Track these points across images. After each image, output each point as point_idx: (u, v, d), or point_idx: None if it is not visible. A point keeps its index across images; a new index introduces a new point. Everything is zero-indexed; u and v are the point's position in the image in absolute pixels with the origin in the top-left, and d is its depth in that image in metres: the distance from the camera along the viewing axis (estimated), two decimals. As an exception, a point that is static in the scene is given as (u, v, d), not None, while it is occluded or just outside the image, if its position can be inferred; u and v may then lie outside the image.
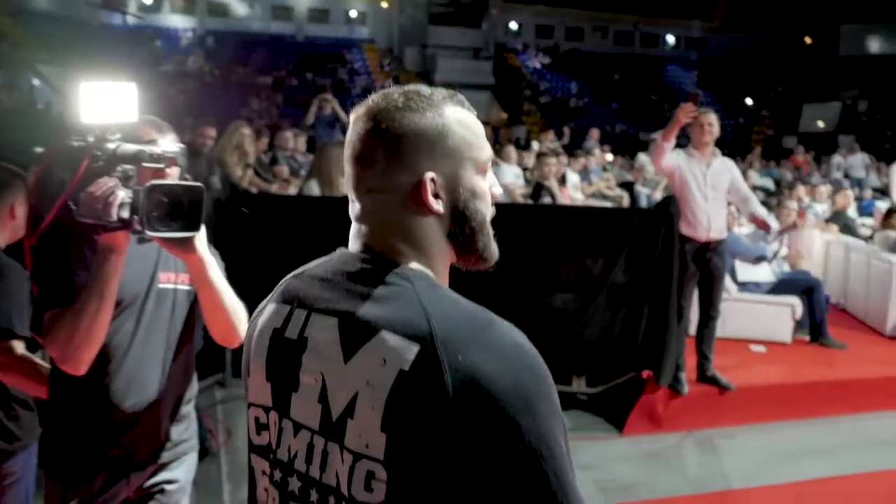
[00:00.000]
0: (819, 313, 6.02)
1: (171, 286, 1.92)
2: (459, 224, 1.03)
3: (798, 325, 6.07)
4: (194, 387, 2.09)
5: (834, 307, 6.92)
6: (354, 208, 1.06)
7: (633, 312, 4.87)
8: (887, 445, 4.58)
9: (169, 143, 1.79)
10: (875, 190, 12.79)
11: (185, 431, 2.00)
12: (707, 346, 4.87)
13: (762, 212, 4.89)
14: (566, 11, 30.66)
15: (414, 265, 1.01)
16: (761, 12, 30.54)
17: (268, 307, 1.10)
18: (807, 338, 6.06)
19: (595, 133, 13.46)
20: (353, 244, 1.06)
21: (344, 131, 8.43)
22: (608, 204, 8.55)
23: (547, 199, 6.06)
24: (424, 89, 1.05)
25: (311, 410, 0.97)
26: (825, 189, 10.77)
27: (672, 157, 4.65)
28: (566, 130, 15.06)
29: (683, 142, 4.94)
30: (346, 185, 1.08)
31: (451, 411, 0.86)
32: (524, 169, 9.14)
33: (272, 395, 1.03)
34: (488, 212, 1.07)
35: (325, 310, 1.00)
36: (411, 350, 0.89)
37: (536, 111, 26.04)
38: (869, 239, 8.00)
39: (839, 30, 29.06)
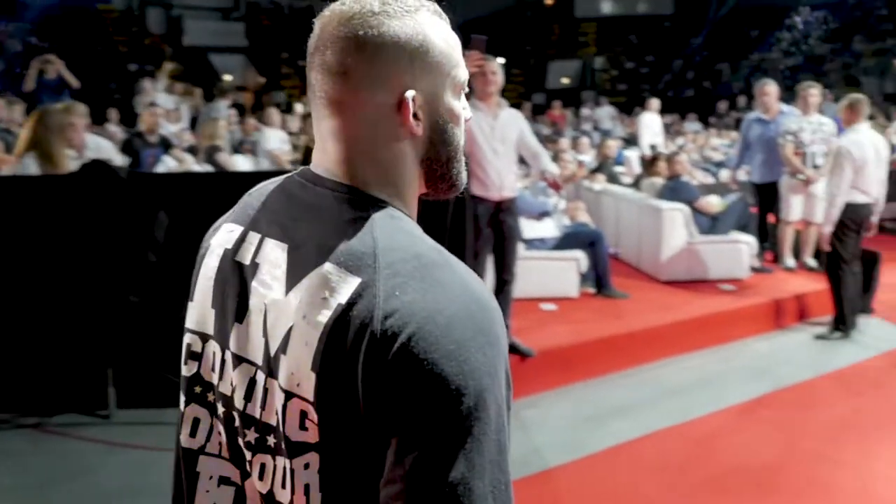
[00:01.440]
0: (602, 265, 6.04)
1: None
2: (435, 149, 0.95)
3: (583, 279, 6.05)
4: None
5: (610, 256, 7.04)
6: (320, 127, 0.94)
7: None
8: (682, 392, 4.62)
9: None
10: (622, 140, 13.53)
11: None
12: (504, 312, 4.60)
13: (553, 168, 4.65)
14: (317, -31, 29.70)
15: (379, 193, 0.91)
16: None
17: (223, 226, 1.01)
18: (592, 290, 6.07)
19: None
20: (316, 166, 0.95)
21: (73, 97, 7.32)
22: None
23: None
24: None
25: (255, 343, 0.89)
26: (586, 141, 11.17)
27: None
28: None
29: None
30: (310, 97, 0.95)
31: (374, 349, 0.78)
32: (290, 133, 8.44)
33: (214, 324, 0.96)
34: (462, 138, 0.98)
35: (277, 235, 0.92)
36: (352, 284, 0.81)
37: (296, 74, 25.06)
38: (632, 186, 8.29)
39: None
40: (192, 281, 1.02)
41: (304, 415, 0.82)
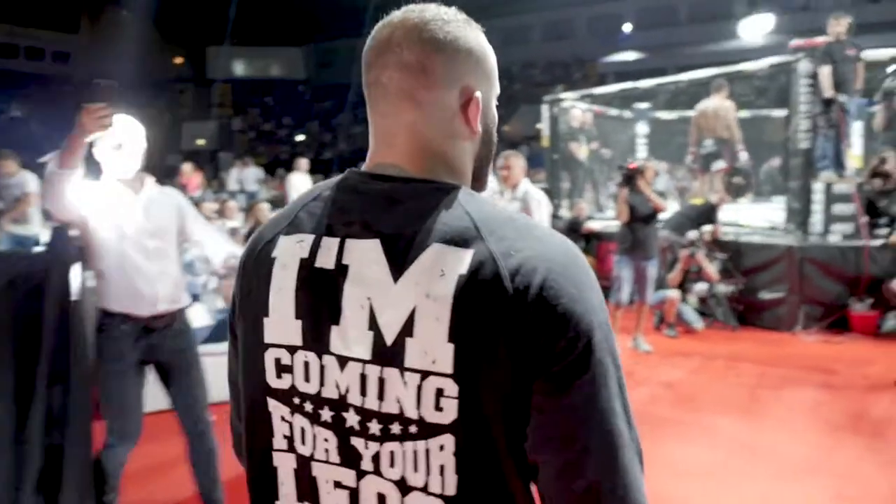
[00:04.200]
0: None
1: None
2: (485, 150, 1.03)
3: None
4: None
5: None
6: (389, 122, 0.97)
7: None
8: None
9: None
10: (268, 202, 12.72)
11: None
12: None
13: (237, 250, 3.43)
14: None
15: (449, 181, 0.96)
16: (126, 29, 29.85)
17: (279, 239, 0.98)
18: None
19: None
20: (377, 165, 0.97)
21: None
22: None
23: None
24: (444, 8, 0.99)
25: (359, 340, 0.90)
26: (233, 204, 10.12)
27: (81, 193, 2.84)
28: None
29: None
30: (377, 95, 0.96)
31: (511, 305, 0.84)
32: None
33: (303, 333, 0.95)
34: None
35: (361, 234, 0.92)
36: (466, 255, 0.87)
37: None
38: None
39: (206, 52, 30.15)
40: (248, 296, 1.00)
41: (439, 393, 0.85)
